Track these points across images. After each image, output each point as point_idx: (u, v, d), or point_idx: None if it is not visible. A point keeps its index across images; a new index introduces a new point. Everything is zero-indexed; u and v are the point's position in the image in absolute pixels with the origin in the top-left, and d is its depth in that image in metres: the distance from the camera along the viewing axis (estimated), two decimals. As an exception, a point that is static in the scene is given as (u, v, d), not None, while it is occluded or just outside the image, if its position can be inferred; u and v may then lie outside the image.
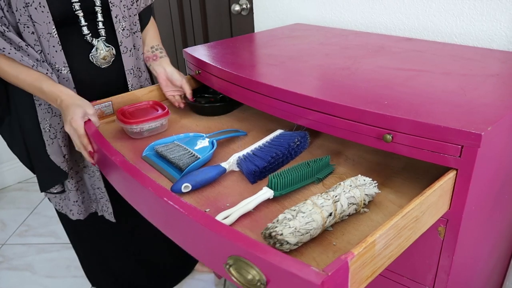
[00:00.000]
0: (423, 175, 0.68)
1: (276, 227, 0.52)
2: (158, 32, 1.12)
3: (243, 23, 1.61)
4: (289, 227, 0.51)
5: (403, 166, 0.71)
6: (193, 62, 1.03)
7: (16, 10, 0.82)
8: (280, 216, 0.54)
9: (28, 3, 0.82)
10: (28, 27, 0.84)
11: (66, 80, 0.92)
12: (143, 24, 1.07)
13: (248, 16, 1.57)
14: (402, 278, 0.73)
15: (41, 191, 1.03)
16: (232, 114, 1.00)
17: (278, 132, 0.83)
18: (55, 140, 0.96)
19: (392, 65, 0.84)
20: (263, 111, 0.93)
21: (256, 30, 1.55)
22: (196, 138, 0.83)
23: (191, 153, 0.77)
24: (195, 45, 1.82)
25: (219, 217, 0.59)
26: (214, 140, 0.81)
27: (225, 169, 0.71)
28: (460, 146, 0.56)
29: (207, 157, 0.76)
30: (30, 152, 1.01)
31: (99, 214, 1.11)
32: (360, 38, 1.08)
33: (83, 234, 1.15)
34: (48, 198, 1.10)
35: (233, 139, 0.86)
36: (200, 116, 1.00)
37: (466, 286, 0.78)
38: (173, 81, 1.01)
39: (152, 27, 1.10)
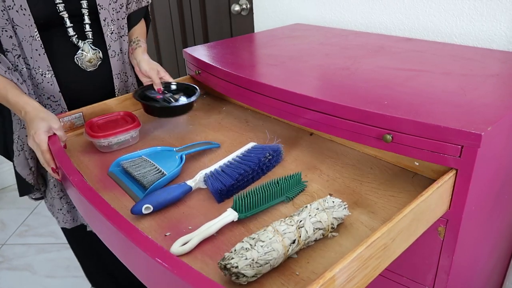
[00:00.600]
0: (400, 193, 0.65)
1: (232, 258, 0.48)
2: (144, 30, 1.09)
3: (243, 23, 1.61)
4: (246, 258, 0.48)
5: (380, 183, 0.68)
6: (193, 62, 1.03)
7: None
8: (238, 246, 0.50)
9: (9, 6, 0.81)
10: (6, 30, 0.83)
11: (51, 84, 0.90)
12: (131, 25, 1.05)
13: (248, 16, 1.57)
14: (402, 278, 0.73)
15: (19, 196, 1.02)
16: (208, 124, 0.94)
17: (250, 145, 0.77)
18: (21, 153, 0.95)
19: (392, 65, 0.84)
20: (240, 122, 0.92)
21: (256, 30, 1.55)
22: (165, 152, 0.78)
23: (158, 169, 0.72)
24: (195, 45, 1.82)
25: (178, 243, 0.55)
26: (183, 155, 0.76)
27: (190, 188, 0.67)
28: (460, 146, 0.56)
29: (173, 173, 0.71)
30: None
31: (88, 229, 1.09)
32: (360, 38, 1.08)
33: (80, 237, 1.15)
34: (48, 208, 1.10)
35: (205, 152, 0.81)
36: (174, 126, 0.94)
37: (466, 286, 0.78)
38: (142, 71, 0.97)
39: (139, 25, 1.08)
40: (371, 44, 1.01)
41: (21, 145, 0.94)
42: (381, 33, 1.16)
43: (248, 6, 1.54)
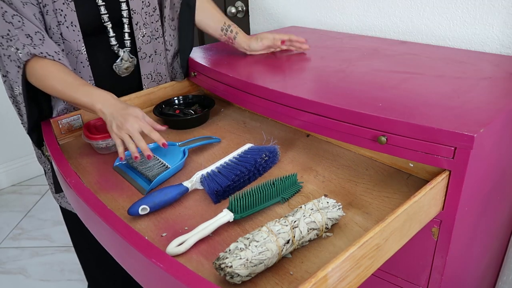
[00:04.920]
0: (394, 194, 0.65)
1: (226, 258, 0.48)
2: (216, 7, 1.09)
3: (239, 25, 1.61)
4: (240, 258, 0.48)
5: (375, 184, 0.68)
6: (189, 64, 1.04)
7: (50, 28, 0.83)
8: (232, 246, 0.50)
9: (60, 21, 0.82)
10: (59, 44, 0.85)
11: None
12: (193, 14, 1.04)
13: (243, 19, 1.58)
14: (396, 278, 0.74)
15: (55, 193, 1.01)
16: (206, 125, 0.95)
17: (247, 146, 0.78)
18: None
19: (386, 67, 0.85)
20: (237, 123, 0.93)
21: (251, 33, 1.55)
22: (168, 147, 0.79)
23: (162, 163, 0.74)
24: (190, 47, 1.82)
25: (174, 244, 0.55)
26: (186, 149, 0.78)
27: (187, 189, 0.67)
28: (453, 148, 0.57)
29: (177, 166, 0.73)
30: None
31: None
32: (354, 41, 1.09)
33: (86, 233, 1.14)
34: (54, 196, 1.08)
35: (202, 153, 0.82)
36: (172, 129, 0.95)
37: (459, 286, 0.79)
38: (260, 51, 1.00)
39: (212, 8, 1.07)
40: (366, 47, 1.02)
41: None
42: (376, 36, 1.17)
43: (244, 8, 1.55)
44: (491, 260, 0.96)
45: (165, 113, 0.98)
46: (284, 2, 1.38)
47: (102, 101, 0.76)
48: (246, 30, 1.57)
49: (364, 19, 1.18)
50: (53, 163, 0.74)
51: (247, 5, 1.53)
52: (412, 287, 0.72)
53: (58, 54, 0.82)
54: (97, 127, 0.87)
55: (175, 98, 1.03)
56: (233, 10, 1.56)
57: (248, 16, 1.53)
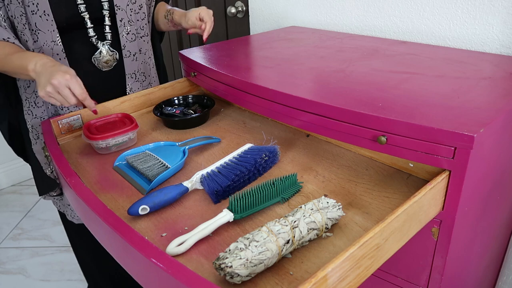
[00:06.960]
0: (394, 194, 0.65)
1: (226, 258, 0.49)
2: (164, 4, 1.11)
3: (239, 26, 1.62)
4: (240, 258, 0.48)
5: (375, 184, 0.68)
6: (189, 64, 1.04)
7: (14, 18, 0.82)
8: (232, 246, 0.50)
9: (33, 11, 0.81)
10: (24, 34, 0.84)
11: None
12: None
13: (243, 19, 1.58)
14: (396, 278, 0.74)
15: (39, 195, 1.01)
16: (206, 125, 0.95)
17: (247, 146, 0.78)
18: (38, 141, 0.97)
19: (386, 67, 0.85)
20: (237, 123, 0.93)
21: (251, 33, 1.55)
22: (168, 147, 0.81)
23: (162, 163, 0.75)
24: (190, 47, 1.82)
25: (174, 244, 0.55)
26: (186, 148, 0.79)
27: (187, 189, 0.67)
28: (453, 148, 0.57)
29: (177, 166, 0.74)
30: (27, 151, 1.00)
31: None
32: (354, 41, 1.09)
33: (84, 235, 1.15)
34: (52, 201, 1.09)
35: (202, 153, 0.82)
36: (171, 129, 0.95)
37: (459, 286, 0.79)
38: (188, 29, 1.01)
39: (163, 4, 1.10)
40: (366, 47, 1.02)
41: (36, 134, 0.96)
42: (376, 36, 1.17)
43: (244, 8, 1.55)
44: (491, 260, 0.96)
45: (165, 113, 0.98)
46: (284, 2, 1.38)
47: (35, 61, 0.74)
48: (246, 30, 1.57)
49: (364, 19, 1.18)
50: (53, 163, 0.74)
51: (247, 5, 1.53)
52: (412, 287, 0.72)
53: (9, 39, 0.80)
54: (97, 127, 0.87)
55: (175, 98, 1.03)
56: (233, 10, 1.56)
57: (248, 16, 1.53)
